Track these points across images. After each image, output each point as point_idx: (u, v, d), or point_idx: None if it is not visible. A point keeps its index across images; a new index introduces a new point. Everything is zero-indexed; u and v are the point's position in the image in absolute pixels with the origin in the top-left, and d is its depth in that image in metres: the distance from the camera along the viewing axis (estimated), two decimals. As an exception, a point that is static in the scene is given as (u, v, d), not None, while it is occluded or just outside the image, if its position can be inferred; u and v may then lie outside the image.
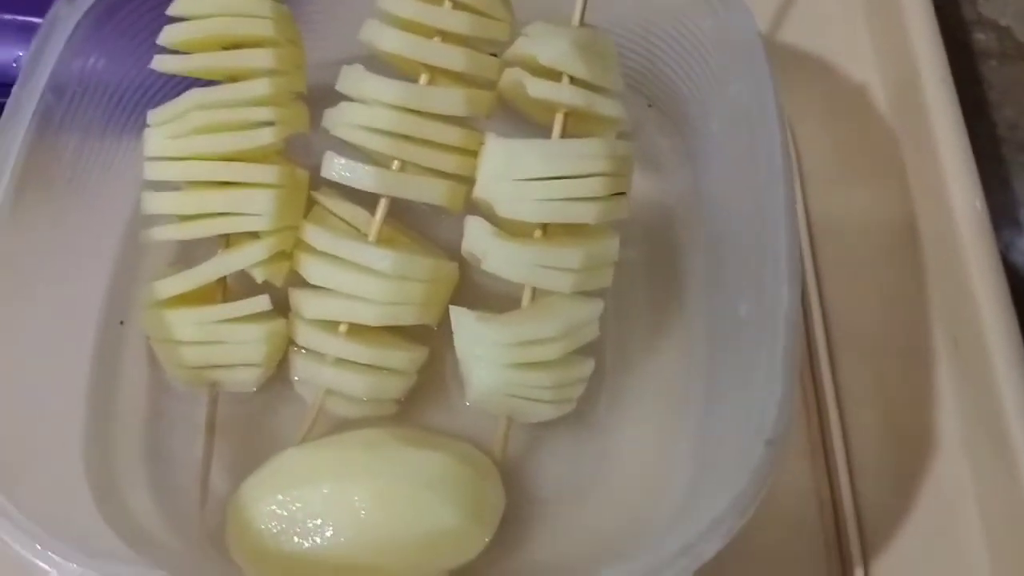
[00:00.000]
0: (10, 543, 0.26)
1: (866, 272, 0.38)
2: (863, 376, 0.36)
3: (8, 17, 0.42)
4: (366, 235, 0.33)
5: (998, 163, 0.41)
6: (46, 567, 0.26)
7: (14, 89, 0.32)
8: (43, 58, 0.33)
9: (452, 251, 0.35)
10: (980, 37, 0.45)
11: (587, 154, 0.31)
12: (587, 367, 0.33)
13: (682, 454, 0.32)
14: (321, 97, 0.34)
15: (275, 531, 0.30)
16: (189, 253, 0.35)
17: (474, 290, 0.35)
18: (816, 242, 0.39)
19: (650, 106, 0.38)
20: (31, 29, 0.42)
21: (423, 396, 0.34)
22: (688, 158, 0.37)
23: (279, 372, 0.34)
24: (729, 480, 0.26)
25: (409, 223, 0.36)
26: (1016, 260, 0.39)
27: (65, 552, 0.26)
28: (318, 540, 0.30)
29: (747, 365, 0.28)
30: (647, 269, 0.36)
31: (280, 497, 0.30)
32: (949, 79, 0.38)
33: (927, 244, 0.38)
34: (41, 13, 0.41)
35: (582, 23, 0.32)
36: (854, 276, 0.38)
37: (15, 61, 0.42)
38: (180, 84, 0.35)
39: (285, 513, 0.30)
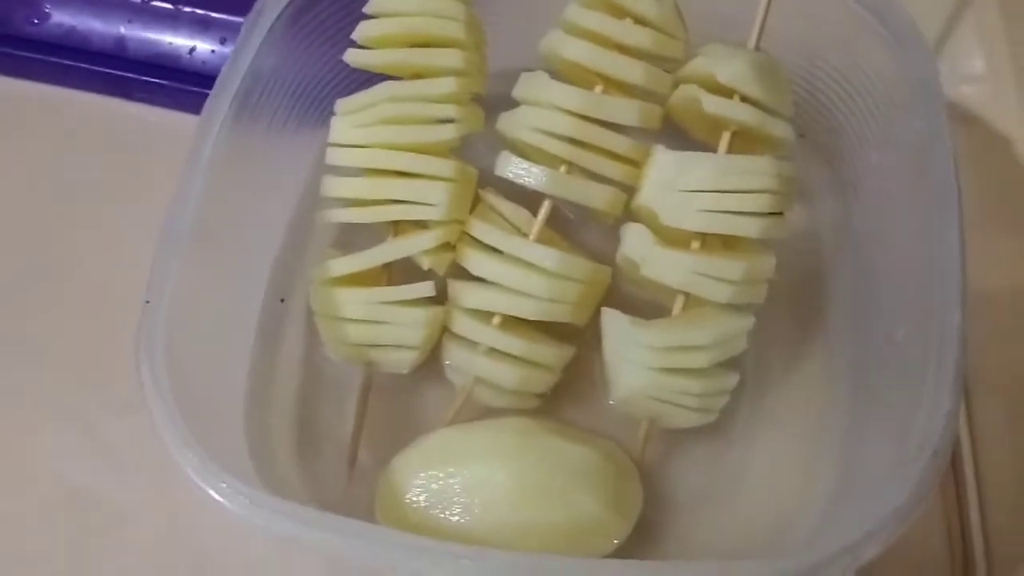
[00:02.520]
0: (196, 479, 0.27)
1: (1004, 310, 0.38)
2: (996, 412, 0.36)
3: (187, 9, 0.45)
4: (526, 235, 0.35)
5: None
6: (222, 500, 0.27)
7: (221, 72, 0.35)
8: (247, 46, 0.35)
9: (599, 260, 0.36)
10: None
11: (757, 170, 0.32)
12: (732, 379, 0.33)
13: (821, 471, 0.33)
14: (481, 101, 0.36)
15: (424, 504, 0.31)
16: (350, 238, 0.37)
17: (621, 297, 0.36)
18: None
19: (802, 136, 0.39)
20: (205, 22, 0.45)
21: (565, 393, 0.35)
22: (838, 187, 0.38)
23: (431, 357, 0.35)
24: (890, 489, 0.26)
25: (560, 230, 0.37)
26: None
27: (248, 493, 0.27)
28: (465, 517, 0.31)
29: (906, 383, 0.29)
30: (790, 290, 0.37)
31: (432, 472, 0.32)
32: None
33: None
34: (216, 7, 0.45)
35: (757, 47, 0.34)
36: (990, 313, 0.38)
37: (190, 51, 0.45)
38: (355, 81, 0.37)
39: (435, 487, 0.31)
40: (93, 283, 0.40)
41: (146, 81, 0.45)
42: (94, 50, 0.45)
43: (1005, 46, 0.45)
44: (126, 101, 0.45)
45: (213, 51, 0.45)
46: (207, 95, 0.35)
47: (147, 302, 0.29)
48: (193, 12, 0.45)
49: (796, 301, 0.37)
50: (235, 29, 0.44)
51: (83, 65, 0.45)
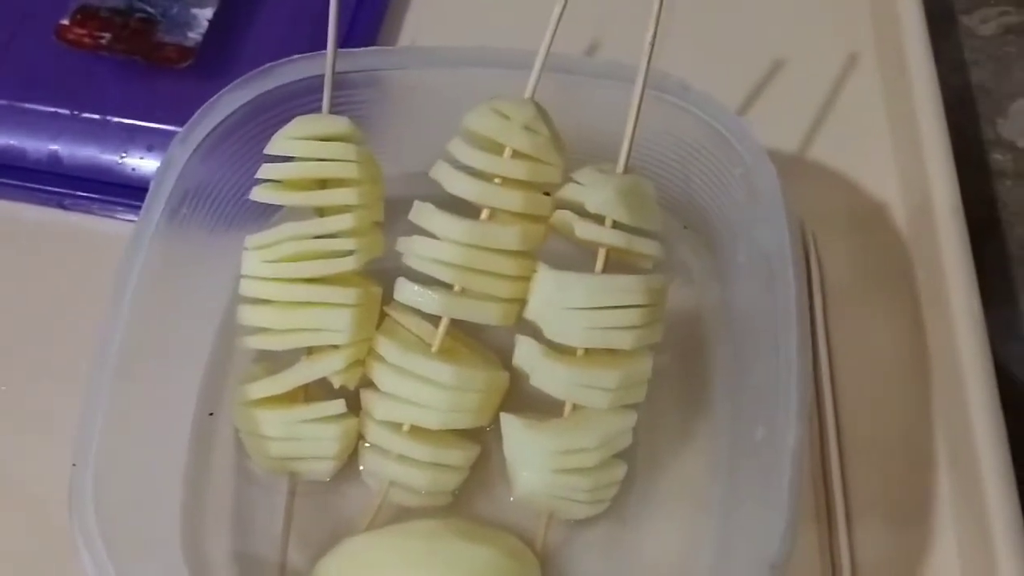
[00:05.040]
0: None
1: (878, 380, 0.42)
2: (871, 480, 0.40)
3: (114, 120, 0.48)
4: (430, 345, 0.38)
5: (1008, 281, 0.45)
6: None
7: (142, 209, 0.38)
8: (163, 183, 0.38)
9: (504, 355, 0.39)
10: (997, 157, 0.48)
11: (627, 288, 0.35)
12: (620, 471, 0.37)
13: (702, 551, 0.36)
14: (394, 205, 0.39)
15: (343, 612, 0.35)
16: (273, 353, 0.40)
17: (522, 394, 0.39)
18: (833, 347, 0.43)
19: (685, 228, 0.42)
20: (132, 131, 0.48)
21: (474, 489, 0.39)
22: (717, 277, 0.41)
23: (349, 464, 0.39)
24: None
25: (468, 331, 0.40)
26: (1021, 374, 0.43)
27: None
28: (380, 625, 0.35)
29: (760, 486, 0.33)
30: (676, 376, 0.40)
31: (350, 582, 0.35)
32: (960, 209, 0.42)
33: (932, 359, 0.42)
34: (141, 116, 0.47)
35: (626, 169, 0.37)
36: (867, 384, 0.42)
37: (120, 160, 0.48)
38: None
39: (354, 596, 0.35)
40: (30, 399, 0.42)
41: (80, 192, 0.48)
42: (29, 166, 0.48)
43: (884, 117, 0.48)
44: (63, 211, 0.48)
45: (142, 158, 0.47)
46: (138, 202, 0.38)
47: (73, 465, 0.32)
48: (120, 122, 0.48)
49: (683, 388, 0.40)
50: (161, 135, 0.47)
51: (18, 183, 0.48)
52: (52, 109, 0.48)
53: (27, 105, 0.48)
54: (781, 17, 0.53)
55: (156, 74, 0.48)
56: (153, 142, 0.47)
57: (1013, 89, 0.51)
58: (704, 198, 0.40)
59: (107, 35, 0.48)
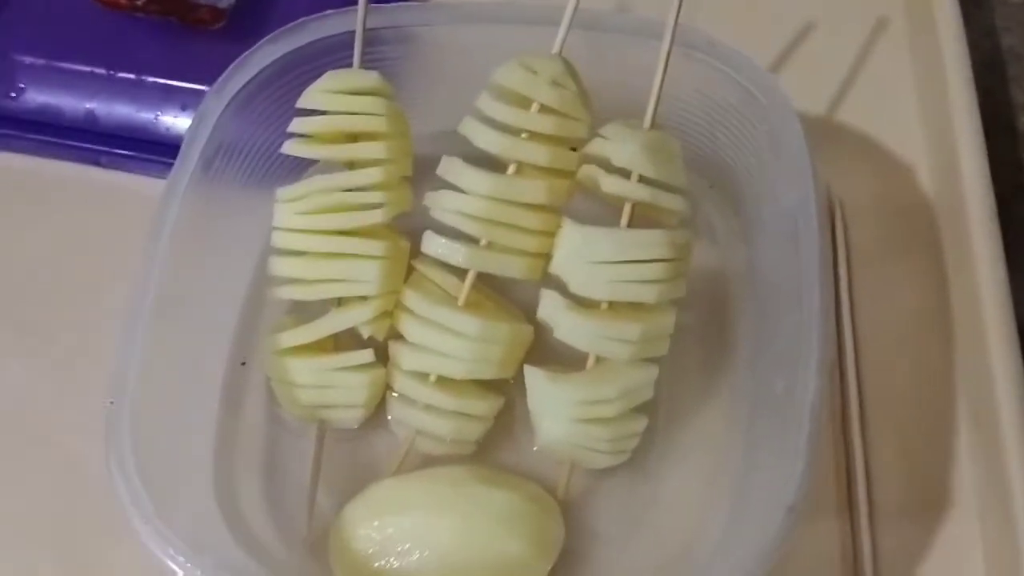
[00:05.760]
0: (154, 549, 0.32)
1: (902, 344, 0.42)
2: (891, 441, 0.40)
3: (149, 79, 0.49)
4: (456, 298, 0.39)
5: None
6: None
7: (176, 162, 0.39)
8: (197, 137, 0.39)
9: (528, 310, 0.40)
10: (1026, 122, 0.48)
11: (652, 243, 0.36)
12: (641, 423, 0.37)
13: (720, 503, 0.37)
14: (423, 163, 0.39)
15: (371, 552, 0.36)
16: (303, 304, 0.41)
17: (545, 348, 0.39)
18: (857, 311, 0.43)
19: (711, 187, 0.43)
20: (167, 90, 0.49)
21: (498, 439, 0.39)
22: (743, 237, 0.42)
23: (377, 413, 0.40)
24: (756, 538, 0.30)
25: (494, 286, 0.41)
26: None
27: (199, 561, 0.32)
28: (407, 562, 0.35)
29: (780, 437, 0.33)
30: (700, 334, 0.41)
31: (376, 523, 0.36)
32: (987, 173, 0.42)
33: (956, 323, 0.42)
34: (176, 76, 0.48)
35: (653, 125, 0.37)
36: (891, 347, 0.42)
37: (154, 119, 0.49)
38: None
39: (380, 537, 0.36)
40: (67, 349, 0.43)
41: (116, 150, 0.49)
42: (66, 124, 0.49)
43: (912, 81, 0.48)
44: (99, 169, 0.49)
45: (176, 117, 0.48)
46: (172, 160, 0.39)
47: (111, 403, 0.33)
48: (155, 82, 0.49)
49: (705, 344, 0.40)
50: (195, 95, 0.48)
51: (56, 140, 0.49)
52: (89, 69, 0.49)
53: (64, 65, 0.49)
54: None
55: (190, 35, 0.49)
56: (187, 102, 0.48)
57: (1044, 55, 0.51)
58: (730, 155, 0.41)
59: (142, -4, 0.49)
